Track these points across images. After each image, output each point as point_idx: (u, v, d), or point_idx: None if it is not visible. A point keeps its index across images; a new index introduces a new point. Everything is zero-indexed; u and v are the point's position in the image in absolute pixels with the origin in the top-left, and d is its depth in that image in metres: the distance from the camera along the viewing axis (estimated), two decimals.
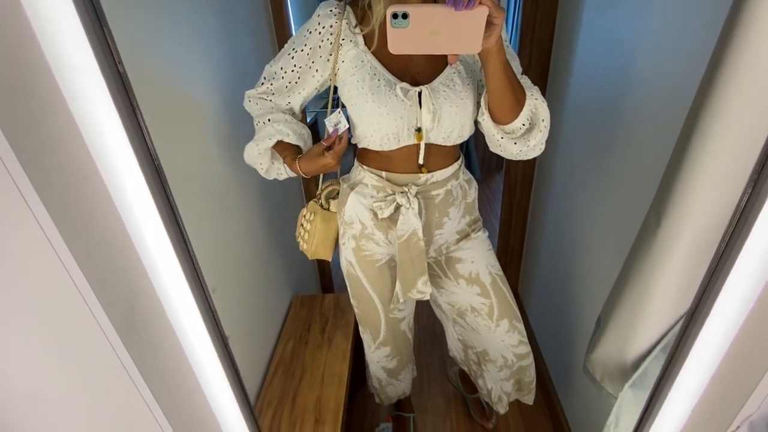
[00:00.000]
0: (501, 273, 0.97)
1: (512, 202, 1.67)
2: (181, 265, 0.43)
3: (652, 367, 0.60)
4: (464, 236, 0.95)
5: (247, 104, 0.86)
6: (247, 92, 0.85)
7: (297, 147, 0.85)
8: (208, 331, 0.46)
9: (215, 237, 0.93)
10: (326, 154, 0.79)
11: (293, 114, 0.87)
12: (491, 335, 0.98)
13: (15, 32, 0.36)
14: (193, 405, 0.59)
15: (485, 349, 1.04)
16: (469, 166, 3.51)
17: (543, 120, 0.74)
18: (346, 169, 0.94)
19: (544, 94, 1.09)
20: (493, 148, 0.80)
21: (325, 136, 0.82)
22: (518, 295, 1.89)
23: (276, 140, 0.82)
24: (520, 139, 0.74)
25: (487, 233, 0.98)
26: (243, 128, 1.09)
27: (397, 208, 0.83)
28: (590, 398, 1.11)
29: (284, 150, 0.85)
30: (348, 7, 0.76)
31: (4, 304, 0.41)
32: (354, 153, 0.92)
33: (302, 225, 0.99)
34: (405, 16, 0.55)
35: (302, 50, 0.77)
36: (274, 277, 1.30)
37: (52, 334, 0.46)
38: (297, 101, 0.84)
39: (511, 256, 1.81)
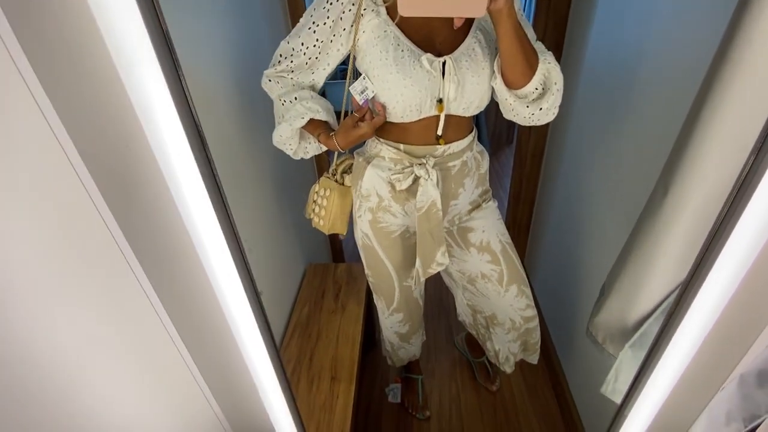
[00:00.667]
0: (510, 241, 1.01)
1: (522, 175, 1.68)
2: (222, 229, 0.47)
3: (652, 329, 0.64)
4: (476, 206, 0.98)
5: (265, 84, 0.83)
6: (265, 72, 0.82)
7: (326, 123, 0.85)
8: (243, 288, 0.51)
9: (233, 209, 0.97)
10: (360, 124, 0.78)
11: (315, 91, 0.85)
12: (501, 300, 1.03)
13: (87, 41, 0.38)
14: (225, 357, 0.65)
15: (494, 313, 1.09)
16: (479, 139, 3.46)
17: (556, 83, 0.74)
18: (360, 144, 0.94)
19: (558, 63, 1.10)
20: (506, 113, 0.81)
21: (352, 105, 0.81)
22: (525, 266, 1.93)
23: (309, 118, 0.80)
24: (532, 103, 0.75)
25: (496, 203, 1.01)
26: (256, 107, 1.11)
27: (416, 179, 0.84)
28: (590, 360, 1.16)
29: (316, 128, 0.84)
30: None
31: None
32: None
33: (315, 201, 1.00)
34: None
35: (324, 23, 0.75)
36: (288, 246, 1.35)
37: (101, 291, 0.50)
38: (320, 77, 0.82)
39: (520, 228, 1.83)
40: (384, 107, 0.79)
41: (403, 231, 0.97)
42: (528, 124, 0.81)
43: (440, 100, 0.76)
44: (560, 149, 1.47)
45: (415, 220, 0.88)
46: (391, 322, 1.18)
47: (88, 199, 0.45)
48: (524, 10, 2.96)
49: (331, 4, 0.74)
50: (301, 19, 0.77)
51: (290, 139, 0.85)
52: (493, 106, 0.85)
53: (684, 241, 0.56)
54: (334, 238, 1.83)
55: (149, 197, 0.49)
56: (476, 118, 0.87)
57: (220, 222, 0.46)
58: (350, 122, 0.80)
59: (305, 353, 1.18)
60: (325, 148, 0.89)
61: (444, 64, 0.73)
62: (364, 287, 1.39)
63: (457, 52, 0.75)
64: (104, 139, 0.45)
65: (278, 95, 0.82)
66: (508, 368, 1.19)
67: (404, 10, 0.59)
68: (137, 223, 0.49)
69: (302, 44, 0.77)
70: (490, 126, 3.20)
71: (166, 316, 0.58)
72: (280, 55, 0.80)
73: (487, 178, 0.99)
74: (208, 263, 0.51)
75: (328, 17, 0.75)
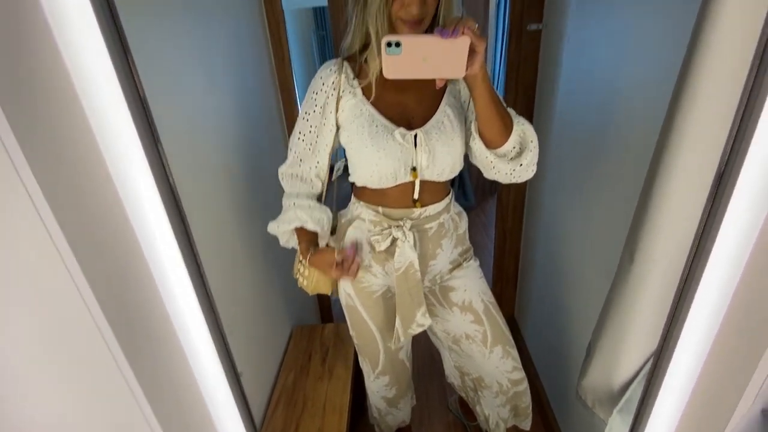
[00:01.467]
0: (493, 300, 1.01)
1: (505, 229, 1.73)
2: (201, 307, 0.47)
3: (637, 393, 0.64)
4: (457, 265, 0.99)
5: (281, 181, 0.93)
6: (279, 169, 0.92)
7: (313, 233, 0.92)
8: (223, 369, 0.50)
9: (220, 272, 0.97)
10: (334, 268, 0.86)
11: (323, 174, 0.91)
12: (486, 361, 1.02)
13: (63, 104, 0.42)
14: None
15: (480, 375, 1.07)
16: (463, 192, 3.55)
17: (532, 141, 0.81)
18: (343, 205, 0.99)
19: None
20: (488, 173, 0.85)
21: (338, 253, 0.87)
22: (515, 320, 1.92)
23: (294, 226, 0.90)
24: (512, 160, 0.81)
25: (478, 262, 1.03)
26: (244, 169, 1.15)
27: (393, 241, 0.88)
28: (586, 422, 1.13)
29: (302, 236, 0.92)
30: (345, 63, 0.84)
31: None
32: (351, 189, 0.97)
33: (301, 262, 1.01)
34: (398, 44, 0.63)
35: (314, 111, 0.84)
36: (274, 308, 1.33)
37: (81, 384, 0.49)
38: (323, 157, 0.89)
39: (507, 281, 1.85)
40: (358, 266, 0.89)
41: (384, 291, 0.98)
42: (509, 182, 0.85)
43: (414, 168, 0.83)
44: (539, 204, 1.53)
45: (394, 280, 0.90)
46: (377, 386, 1.14)
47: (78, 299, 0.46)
48: (495, 80, 3.21)
49: (316, 93, 0.84)
50: (299, 113, 0.87)
51: (280, 234, 0.94)
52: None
53: (655, 306, 0.58)
54: (321, 298, 1.81)
55: (128, 274, 0.50)
56: (460, 173, 0.92)
57: (201, 304, 0.47)
58: (329, 259, 0.87)
59: (290, 424, 1.12)
60: None
61: (416, 136, 0.80)
62: (352, 349, 1.36)
63: (427, 125, 0.82)
64: (77, 195, 0.47)
65: (286, 193, 0.92)
66: None
67: (388, 74, 0.65)
68: (116, 303, 0.50)
69: (300, 132, 0.87)
70: (473, 179, 3.32)
71: (144, 398, 0.56)
72: (290, 148, 0.90)
73: (467, 237, 1.01)
74: (187, 344, 0.51)
75: (316, 105, 0.84)
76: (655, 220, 0.56)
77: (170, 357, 0.53)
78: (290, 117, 1.53)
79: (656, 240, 0.56)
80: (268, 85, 1.41)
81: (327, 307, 1.83)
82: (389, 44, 0.62)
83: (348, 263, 0.86)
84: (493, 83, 0.81)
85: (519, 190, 1.64)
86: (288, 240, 0.95)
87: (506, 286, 1.85)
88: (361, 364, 1.13)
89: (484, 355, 1.00)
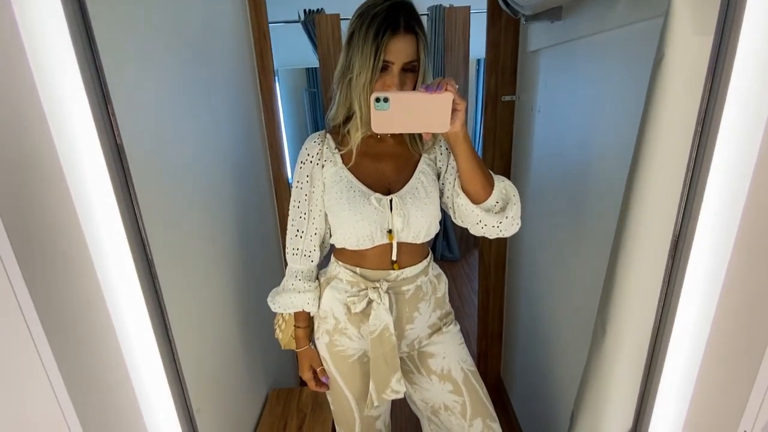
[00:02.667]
0: (473, 368, 0.98)
1: (488, 287, 1.73)
2: (169, 384, 0.45)
3: None
4: (436, 330, 0.97)
5: (287, 250, 0.96)
6: (287, 249, 0.95)
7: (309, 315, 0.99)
8: None
9: (192, 329, 0.94)
10: (311, 378, 0.98)
11: (319, 240, 0.95)
12: None
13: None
14: None
15: None
16: (447, 244, 3.58)
17: (514, 195, 0.85)
18: (323, 264, 1.00)
19: None
20: (475, 229, 0.86)
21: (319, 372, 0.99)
22: (501, 380, 1.86)
23: (289, 312, 0.97)
24: (497, 214, 0.84)
25: (458, 327, 1.01)
26: (227, 228, 1.15)
27: (369, 302, 0.89)
28: None
29: (298, 320, 0.99)
30: (328, 135, 0.90)
31: None
32: (331, 251, 0.99)
33: (282, 314, 1.02)
34: (386, 100, 0.66)
35: (305, 180, 0.90)
36: (250, 370, 1.27)
37: None
38: (320, 222, 0.93)
39: (492, 339, 1.82)
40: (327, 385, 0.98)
41: (360, 355, 0.96)
42: (497, 236, 0.86)
43: (390, 231, 0.86)
44: (518, 262, 1.56)
45: (370, 343, 0.88)
46: None
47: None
48: (476, 144, 3.41)
49: (303, 164, 0.89)
50: (292, 193, 0.93)
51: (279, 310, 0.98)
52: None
53: (630, 377, 0.58)
54: None
55: (94, 346, 0.48)
56: (443, 225, 0.93)
57: (169, 381, 0.45)
58: (308, 374, 0.99)
59: None
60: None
61: (391, 201, 0.84)
62: (330, 415, 1.28)
63: (402, 191, 0.86)
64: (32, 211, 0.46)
65: (288, 267, 0.96)
66: None
67: (377, 128, 0.69)
68: (77, 369, 0.47)
69: (295, 200, 0.91)
70: (457, 231, 3.38)
71: None
72: (291, 219, 0.93)
73: (446, 300, 1.01)
74: (150, 420, 0.48)
75: (305, 175, 0.89)
76: (623, 291, 0.58)
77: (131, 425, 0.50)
78: (278, 178, 1.57)
79: (626, 311, 0.57)
80: (257, 143, 1.46)
81: None
82: (378, 100, 0.66)
83: (316, 384, 0.98)
84: (475, 144, 0.87)
85: (500, 247, 1.67)
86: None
87: (491, 343, 1.82)
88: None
89: (462, 429, 0.96)
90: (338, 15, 2.68)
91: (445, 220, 3.45)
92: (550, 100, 1.20)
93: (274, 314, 1.04)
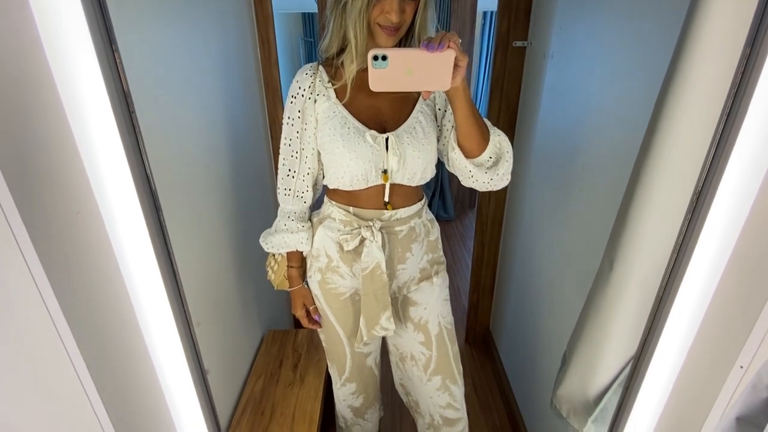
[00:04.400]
0: (451, 327, 0.98)
1: (483, 241, 1.74)
2: (168, 299, 0.44)
3: (612, 402, 0.64)
4: (426, 277, 0.96)
5: (278, 190, 0.93)
6: (278, 188, 0.93)
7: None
8: (188, 367, 0.47)
9: (191, 269, 0.93)
10: (303, 316, 0.99)
11: (313, 180, 0.92)
12: (422, 387, 1.00)
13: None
14: None
15: (417, 400, 1.06)
16: (443, 204, 3.59)
17: (507, 152, 0.83)
18: (317, 206, 0.98)
19: (512, 142, 1.19)
20: (465, 181, 0.86)
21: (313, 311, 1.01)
22: (490, 331, 1.92)
23: (281, 251, 0.96)
24: (489, 169, 0.83)
25: (447, 281, 1.00)
26: (225, 173, 1.11)
27: (362, 241, 0.88)
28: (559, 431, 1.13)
29: (291, 259, 0.98)
30: (320, 66, 0.85)
31: None
32: (324, 191, 0.97)
33: (273, 255, 1.01)
34: (384, 57, 0.62)
35: (296, 116, 0.85)
36: (246, 311, 1.28)
37: (26, 365, 0.45)
38: (313, 162, 0.89)
39: (483, 292, 1.86)
40: (320, 323, 1.00)
41: (352, 293, 0.96)
42: (486, 189, 0.86)
43: (385, 171, 0.83)
44: (517, 217, 1.55)
45: (361, 280, 0.89)
46: (343, 394, 1.11)
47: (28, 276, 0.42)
48: (479, 94, 3.29)
49: (294, 98, 0.84)
50: (283, 119, 0.87)
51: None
52: (456, 178, 0.90)
53: (634, 313, 0.58)
54: None
55: (90, 257, 0.46)
56: (440, 186, 0.93)
57: (168, 296, 0.44)
58: (301, 312, 1.00)
59: None
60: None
61: (387, 139, 0.81)
62: (325, 356, 1.32)
63: (399, 129, 0.83)
64: (56, 205, 0.43)
65: (280, 207, 0.95)
66: None
67: (375, 87, 0.65)
68: (74, 288, 0.46)
69: (286, 138, 0.87)
70: (453, 191, 3.36)
71: (100, 402, 0.52)
72: (282, 158, 0.89)
73: (439, 246, 0.99)
74: (149, 337, 0.47)
75: (296, 110, 0.84)
76: (636, 228, 0.57)
77: (130, 346, 0.49)
78: (274, 119, 1.50)
79: (636, 247, 0.56)
80: (253, 85, 1.38)
81: None
82: (375, 57, 0.62)
83: (309, 322, 1.00)
84: (477, 97, 0.84)
85: (499, 202, 1.66)
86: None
87: (483, 296, 1.86)
88: (329, 370, 1.11)
89: (421, 381, 0.99)
90: None
91: (442, 181, 3.43)
92: (565, 46, 1.14)
93: (267, 256, 1.03)
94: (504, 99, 1.47)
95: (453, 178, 3.42)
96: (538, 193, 1.33)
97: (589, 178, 0.99)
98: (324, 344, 1.06)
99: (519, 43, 1.38)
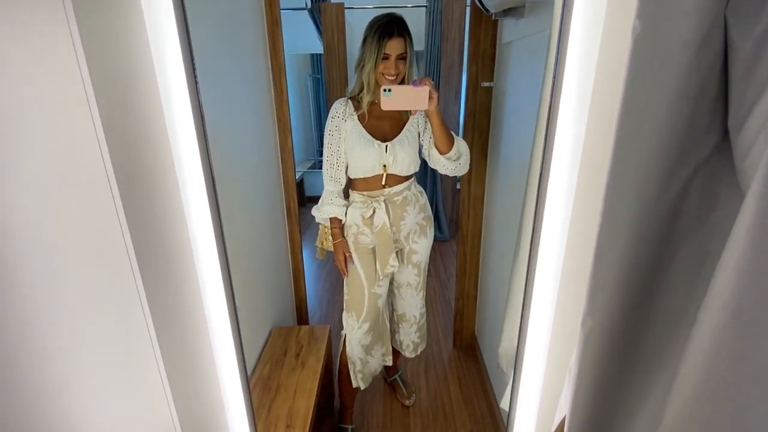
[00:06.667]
0: (428, 259, 1.54)
1: (465, 251, 1.97)
2: (224, 289, 0.69)
3: None
4: (422, 230, 1.46)
5: (324, 178, 1.40)
6: (324, 177, 1.40)
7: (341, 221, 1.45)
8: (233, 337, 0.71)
9: None
10: (342, 260, 1.44)
11: (345, 170, 1.39)
12: (411, 300, 1.56)
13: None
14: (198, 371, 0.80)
15: (405, 311, 1.59)
16: (438, 225, 3.85)
17: (465, 151, 1.34)
18: (345, 197, 1.45)
19: (484, 165, 1.71)
20: (442, 170, 1.35)
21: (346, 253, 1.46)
22: (475, 336, 2.11)
23: (330, 216, 1.43)
24: (454, 161, 1.32)
25: (434, 232, 1.53)
26: (240, 183, 1.38)
27: (374, 211, 1.37)
28: None
29: (334, 221, 1.44)
30: (349, 101, 1.35)
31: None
32: (348, 186, 1.44)
33: (326, 231, 1.49)
34: (389, 90, 1.13)
35: (335, 129, 1.35)
36: (255, 310, 1.51)
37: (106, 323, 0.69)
38: (344, 158, 1.37)
39: (468, 299, 2.06)
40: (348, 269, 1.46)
41: (372, 248, 1.43)
42: (455, 174, 1.35)
43: (384, 165, 1.34)
44: (492, 229, 1.79)
45: (376, 235, 1.38)
46: (359, 335, 1.47)
47: (114, 216, 0.67)
48: (460, 125, 3.60)
49: (333, 118, 1.34)
50: (324, 140, 1.37)
51: (319, 217, 1.45)
52: (449, 200, 1.25)
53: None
54: (300, 303, 1.98)
55: (169, 246, 0.71)
56: (435, 208, 1.30)
57: (223, 284, 0.69)
58: (341, 257, 1.44)
59: (264, 405, 1.27)
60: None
61: (386, 146, 1.32)
62: (324, 346, 1.53)
63: (394, 140, 1.34)
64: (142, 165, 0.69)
65: (326, 189, 1.42)
66: (409, 353, 1.64)
67: (385, 107, 1.15)
68: (156, 265, 0.70)
69: (329, 144, 1.37)
70: (447, 213, 3.61)
71: (152, 322, 0.75)
72: (324, 156, 1.38)
73: (428, 208, 1.48)
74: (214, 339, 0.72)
75: (335, 126, 1.35)
76: (524, 223, 0.81)
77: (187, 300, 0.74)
78: (284, 147, 1.78)
79: (526, 231, 0.80)
80: (267, 118, 1.68)
81: (305, 312, 2.00)
82: (384, 90, 1.13)
83: (344, 265, 1.44)
84: (459, 127, 1.28)
85: (477, 216, 1.90)
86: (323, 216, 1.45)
87: (467, 303, 2.06)
88: (346, 321, 1.49)
89: (412, 297, 1.55)
90: (342, 4, 2.86)
91: (437, 203, 3.69)
92: (516, 85, 1.42)
93: (277, 263, 1.30)
94: (476, 130, 1.75)
95: (447, 201, 3.70)
96: (507, 206, 1.58)
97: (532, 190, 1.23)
98: (346, 297, 1.49)
99: (486, 84, 1.67)
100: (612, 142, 0.47)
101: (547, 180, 0.67)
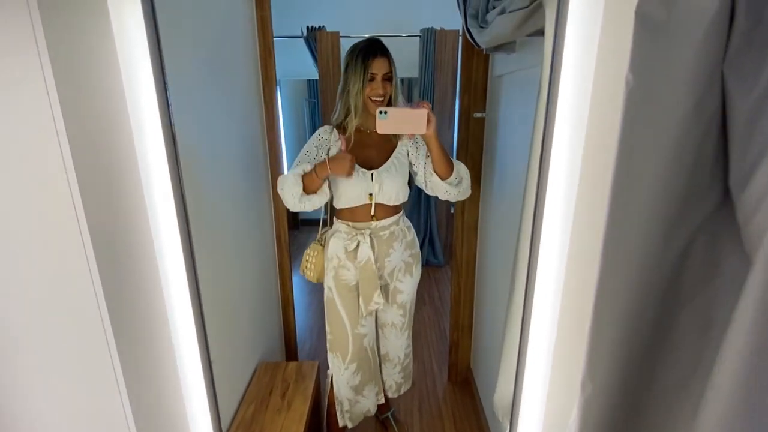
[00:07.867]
0: (414, 298, 1.47)
1: (460, 282, 1.92)
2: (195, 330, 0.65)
3: None
4: (408, 269, 1.39)
5: (283, 179, 1.23)
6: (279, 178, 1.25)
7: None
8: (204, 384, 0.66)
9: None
10: (347, 158, 1.20)
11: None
12: (396, 341, 1.49)
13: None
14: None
15: (388, 351, 1.52)
16: (433, 251, 3.79)
17: (466, 174, 1.29)
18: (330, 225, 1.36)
19: (478, 194, 1.64)
20: (442, 196, 1.29)
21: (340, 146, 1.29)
22: (471, 371, 2.04)
23: (299, 172, 1.20)
24: (455, 186, 1.26)
25: (420, 270, 1.44)
26: (227, 212, 1.34)
27: (358, 244, 1.29)
28: None
29: (309, 176, 1.20)
30: (334, 128, 1.29)
31: None
32: (332, 214, 1.38)
33: (308, 260, 1.41)
34: (385, 112, 1.04)
35: (313, 145, 1.28)
36: (241, 344, 1.45)
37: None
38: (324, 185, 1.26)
39: (463, 330, 2.00)
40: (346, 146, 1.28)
41: (355, 284, 1.34)
42: (457, 199, 1.29)
43: (371, 194, 1.27)
44: (487, 258, 1.75)
45: (359, 271, 1.30)
46: (346, 377, 1.39)
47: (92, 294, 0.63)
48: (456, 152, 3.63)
49: (316, 139, 1.28)
50: (304, 147, 1.28)
51: (293, 186, 1.19)
52: (444, 225, 1.21)
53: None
54: (289, 336, 1.91)
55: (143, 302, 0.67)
56: (430, 234, 1.26)
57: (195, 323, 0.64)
58: (344, 155, 1.20)
59: None
60: (317, 206, 1.28)
61: (372, 174, 1.25)
62: (311, 384, 1.46)
63: (381, 168, 1.28)
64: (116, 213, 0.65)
65: (291, 173, 1.22)
66: (392, 394, 1.60)
67: (380, 130, 1.05)
68: (126, 311, 0.66)
69: (304, 152, 1.28)
70: (442, 238, 3.57)
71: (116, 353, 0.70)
72: (296, 160, 1.27)
73: (416, 243, 1.42)
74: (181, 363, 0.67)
75: (315, 145, 1.28)
76: (519, 261, 0.77)
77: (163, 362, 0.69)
78: (275, 173, 1.76)
79: (521, 269, 0.77)
80: (257, 144, 1.66)
81: (293, 346, 1.93)
82: (380, 112, 1.04)
83: (348, 155, 1.20)
84: (453, 155, 1.38)
85: (470, 246, 1.87)
86: (300, 198, 1.23)
87: (462, 335, 2.00)
88: (331, 362, 1.41)
89: (397, 337, 1.48)
90: (338, 33, 2.91)
91: (431, 228, 3.66)
92: (508, 117, 1.41)
93: (268, 295, 1.26)
94: (470, 159, 1.73)
95: (441, 226, 3.68)
96: (501, 239, 1.55)
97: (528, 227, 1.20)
98: (329, 335, 1.40)
99: (478, 115, 1.67)
100: (608, 194, 0.44)
101: (539, 240, 0.64)
